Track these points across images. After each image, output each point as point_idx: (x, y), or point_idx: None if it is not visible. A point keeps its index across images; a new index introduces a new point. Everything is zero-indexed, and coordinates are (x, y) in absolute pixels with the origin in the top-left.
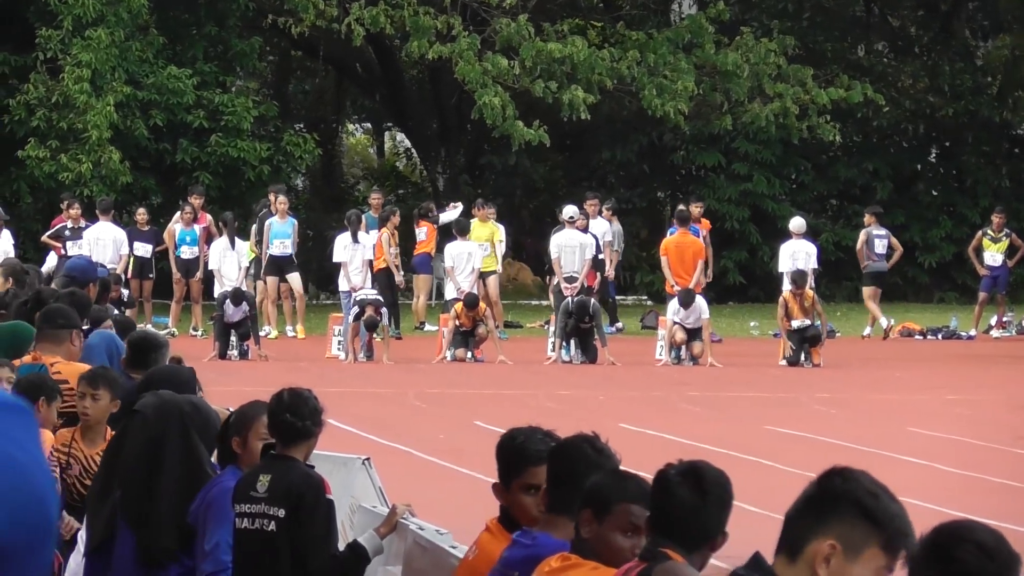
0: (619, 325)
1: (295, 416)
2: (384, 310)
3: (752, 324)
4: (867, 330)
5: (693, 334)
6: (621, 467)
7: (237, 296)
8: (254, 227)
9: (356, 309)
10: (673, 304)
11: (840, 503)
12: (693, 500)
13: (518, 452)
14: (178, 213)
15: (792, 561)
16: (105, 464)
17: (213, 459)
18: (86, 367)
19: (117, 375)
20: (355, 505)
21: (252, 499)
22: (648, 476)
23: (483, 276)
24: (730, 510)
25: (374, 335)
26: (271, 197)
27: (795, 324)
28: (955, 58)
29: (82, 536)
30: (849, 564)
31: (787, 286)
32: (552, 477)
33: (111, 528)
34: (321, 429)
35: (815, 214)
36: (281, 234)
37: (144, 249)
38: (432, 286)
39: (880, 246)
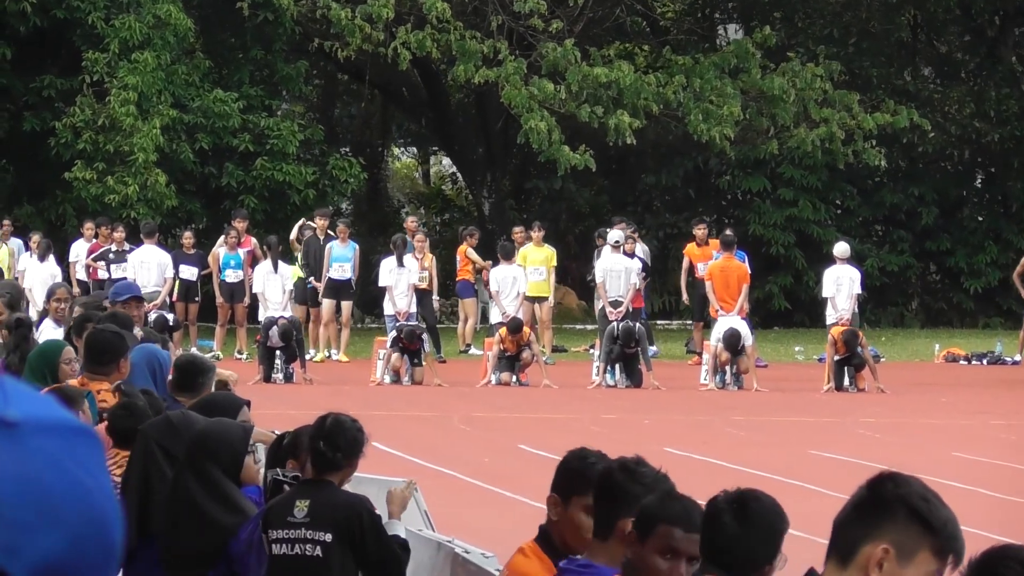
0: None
1: (328, 446)
2: (425, 335)
3: (797, 349)
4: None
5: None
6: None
7: (286, 334)
8: (300, 251)
9: (394, 333)
10: (717, 329)
11: (893, 507)
12: (736, 530)
13: (582, 472)
14: (222, 237)
15: (844, 566)
16: (120, 489)
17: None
18: None
19: (76, 391)
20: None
21: (290, 524)
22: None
23: (537, 301)
24: (780, 540)
25: (414, 362)
26: (317, 221)
27: (838, 357)
28: (1001, 84)
29: None
30: (902, 568)
31: (831, 316)
32: (594, 503)
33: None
34: (357, 460)
35: (860, 239)
36: (341, 258)
37: (190, 272)
38: (478, 310)
39: None
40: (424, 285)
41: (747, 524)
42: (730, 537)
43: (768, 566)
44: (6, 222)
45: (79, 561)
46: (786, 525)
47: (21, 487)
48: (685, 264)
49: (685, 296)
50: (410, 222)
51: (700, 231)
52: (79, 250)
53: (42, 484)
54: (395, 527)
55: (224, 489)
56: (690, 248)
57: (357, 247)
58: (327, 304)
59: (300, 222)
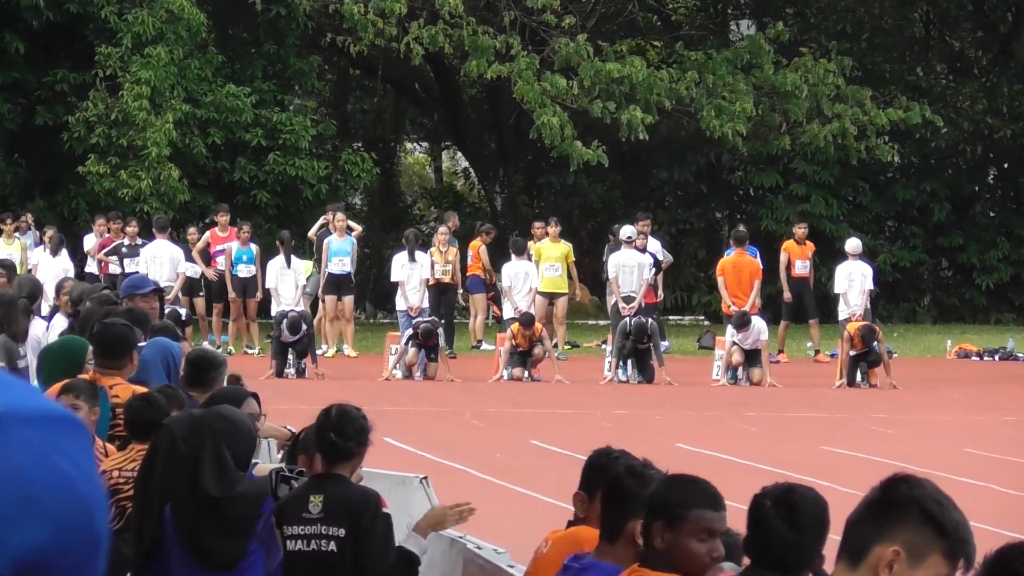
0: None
1: (339, 435)
2: (440, 331)
3: (809, 344)
4: None
5: (752, 356)
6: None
7: (294, 326)
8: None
9: (410, 331)
10: (732, 328)
11: (906, 509)
12: (789, 534)
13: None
14: (207, 232)
15: (854, 566)
16: (141, 482)
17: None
18: (143, 389)
19: (88, 385)
20: (412, 524)
21: (305, 520)
22: None
23: (553, 297)
24: (827, 533)
25: (430, 357)
26: (330, 215)
27: (854, 353)
28: (1014, 79)
29: None
30: (912, 570)
31: (843, 312)
32: (603, 506)
33: (156, 544)
34: (366, 448)
35: (873, 235)
36: (340, 252)
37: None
38: (489, 305)
39: None
40: (448, 279)
41: (798, 526)
42: (783, 541)
43: (819, 559)
44: (26, 216)
45: (64, 551)
46: (829, 513)
47: (4, 479)
48: (784, 260)
49: (787, 294)
50: (455, 220)
51: (800, 230)
52: (90, 243)
53: (25, 476)
54: (413, 540)
55: (235, 475)
56: (789, 245)
57: (355, 241)
58: (329, 300)
59: (322, 219)
